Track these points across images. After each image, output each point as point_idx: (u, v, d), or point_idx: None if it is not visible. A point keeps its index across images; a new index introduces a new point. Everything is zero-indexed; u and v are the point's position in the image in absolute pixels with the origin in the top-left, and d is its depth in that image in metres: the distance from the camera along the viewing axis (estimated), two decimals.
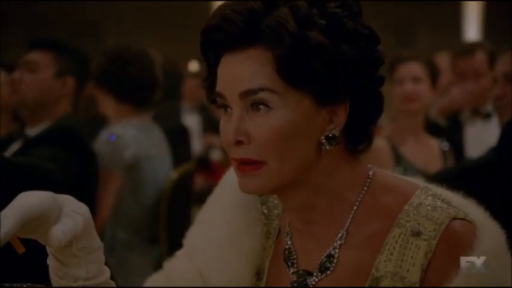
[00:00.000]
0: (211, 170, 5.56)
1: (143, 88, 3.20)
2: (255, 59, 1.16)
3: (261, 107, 1.17)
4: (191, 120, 6.11)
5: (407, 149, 3.33)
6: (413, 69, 3.29)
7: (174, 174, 3.29)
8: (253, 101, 1.17)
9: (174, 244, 3.10)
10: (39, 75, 2.91)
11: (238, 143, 1.18)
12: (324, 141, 1.19)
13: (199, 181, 4.69)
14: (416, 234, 1.17)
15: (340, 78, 1.16)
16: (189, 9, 10.58)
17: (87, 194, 2.83)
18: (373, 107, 1.22)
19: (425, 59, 3.42)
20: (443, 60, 4.44)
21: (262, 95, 1.16)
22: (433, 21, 10.58)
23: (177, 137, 3.65)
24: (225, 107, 1.20)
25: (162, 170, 3.27)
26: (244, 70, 1.17)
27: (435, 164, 3.30)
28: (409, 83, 3.27)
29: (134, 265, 3.17)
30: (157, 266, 3.34)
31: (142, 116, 3.27)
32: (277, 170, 1.17)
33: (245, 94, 1.17)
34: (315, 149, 1.19)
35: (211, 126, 6.09)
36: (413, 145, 3.35)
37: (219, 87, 1.20)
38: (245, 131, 1.17)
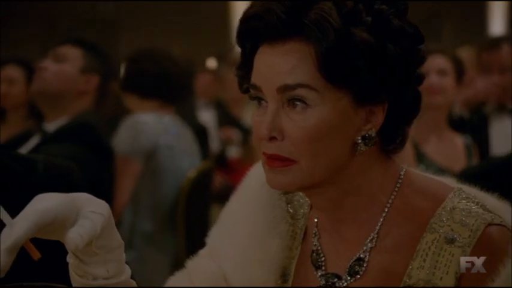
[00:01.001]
0: (229, 168, 5.49)
1: (165, 84, 3.26)
2: (294, 53, 1.12)
3: (298, 103, 1.12)
4: (206, 116, 6.06)
5: (429, 147, 3.27)
6: (439, 62, 3.22)
7: (192, 173, 3.27)
8: (290, 97, 1.13)
9: (192, 241, 3.09)
10: (65, 66, 2.92)
11: (272, 138, 1.14)
12: (359, 141, 1.15)
13: (217, 179, 4.65)
14: (451, 241, 1.13)
15: (382, 77, 1.12)
16: (204, 8, 10.57)
17: (105, 191, 2.81)
18: (411, 107, 1.18)
19: (451, 53, 3.35)
20: (466, 55, 4.36)
21: (300, 92, 1.12)
22: (458, 16, 10.51)
23: (196, 136, 3.62)
24: (259, 99, 1.16)
25: (185, 162, 3.26)
26: (283, 64, 1.12)
27: (459, 162, 3.24)
28: (434, 75, 3.20)
29: (152, 257, 3.17)
30: (175, 260, 3.30)
31: (168, 110, 3.32)
32: (308, 171, 1.13)
33: (283, 89, 1.13)
34: (350, 149, 1.15)
35: (226, 121, 6.04)
36: (436, 143, 3.29)
37: (255, 79, 1.16)
38: (279, 127, 1.13)
